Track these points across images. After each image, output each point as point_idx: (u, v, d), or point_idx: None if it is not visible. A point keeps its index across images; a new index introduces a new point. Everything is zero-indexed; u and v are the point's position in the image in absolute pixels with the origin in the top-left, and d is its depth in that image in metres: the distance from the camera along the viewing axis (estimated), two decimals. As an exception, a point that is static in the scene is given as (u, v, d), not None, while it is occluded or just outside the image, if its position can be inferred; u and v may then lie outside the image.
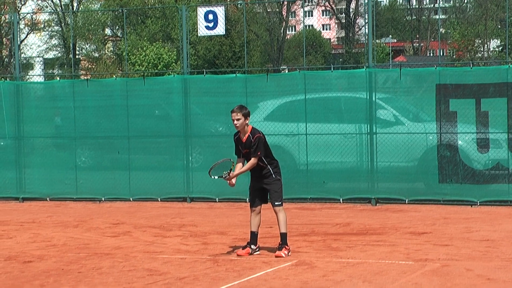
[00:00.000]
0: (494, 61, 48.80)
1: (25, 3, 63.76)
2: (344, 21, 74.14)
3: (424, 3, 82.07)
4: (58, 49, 66.72)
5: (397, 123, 17.73)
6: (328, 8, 78.88)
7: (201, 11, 18.83)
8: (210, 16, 18.62)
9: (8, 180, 20.03)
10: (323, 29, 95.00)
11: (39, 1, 66.08)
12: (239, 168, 11.77)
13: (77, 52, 63.23)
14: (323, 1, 75.24)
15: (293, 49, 73.69)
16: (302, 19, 75.91)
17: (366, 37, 18.18)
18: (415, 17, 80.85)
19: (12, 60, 52.50)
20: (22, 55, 56.40)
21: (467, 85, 16.95)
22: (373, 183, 17.59)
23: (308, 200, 17.99)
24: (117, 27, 65.61)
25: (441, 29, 69.00)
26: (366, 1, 18.05)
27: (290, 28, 79.49)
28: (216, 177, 11.78)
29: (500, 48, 64.08)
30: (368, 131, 17.51)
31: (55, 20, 66.18)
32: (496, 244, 12.37)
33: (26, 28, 61.54)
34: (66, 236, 14.21)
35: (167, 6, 57.85)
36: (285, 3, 67.17)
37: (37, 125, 20.12)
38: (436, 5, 79.72)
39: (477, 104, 16.86)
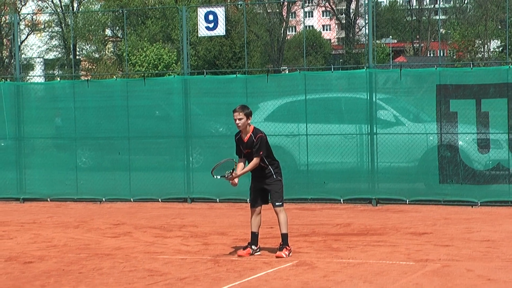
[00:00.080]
0: (495, 62, 48.82)
1: (25, 4, 63.81)
2: (344, 21, 74.13)
3: (424, 3, 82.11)
4: (59, 49, 66.76)
5: (398, 123, 17.73)
6: (328, 9, 78.90)
7: (201, 11, 18.83)
8: (210, 17, 18.62)
9: (9, 180, 20.03)
10: (324, 30, 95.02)
11: (40, 2, 66.15)
12: (240, 168, 11.76)
13: (77, 53, 63.25)
14: (323, 2, 75.24)
15: (293, 49, 73.72)
16: (302, 19, 75.92)
17: (366, 38, 18.18)
18: (415, 18, 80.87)
19: (12, 61, 52.51)
20: (23, 55, 56.41)
21: (467, 85, 16.95)
22: (374, 183, 17.59)
23: (308, 200, 17.99)
24: (118, 27, 65.64)
25: (441, 30, 69.02)
26: (366, 1, 18.05)
27: (290, 29, 79.51)
28: (219, 177, 11.77)
29: (500, 49, 64.09)
30: (369, 131, 17.51)
31: (56, 20, 66.21)
32: (496, 244, 12.37)
33: (27, 28, 61.59)
34: (66, 236, 14.21)
35: (167, 7, 57.89)
36: (285, 3, 67.19)
37: (38, 125, 20.12)
38: (436, 6, 79.74)
39: (478, 104, 16.85)
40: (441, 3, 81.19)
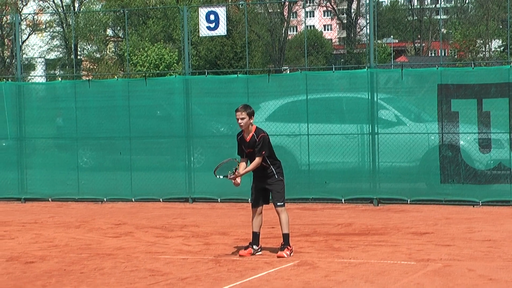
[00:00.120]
0: (496, 61, 48.80)
1: (26, 4, 63.85)
2: (345, 21, 74.11)
3: (426, 3, 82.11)
4: (60, 49, 66.78)
5: (399, 123, 17.72)
6: (329, 9, 78.86)
7: (203, 11, 18.83)
8: (212, 17, 18.62)
9: (10, 180, 20.04)
10: (325, 30, 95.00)
11: (41, 2, 66.18)
12: (242, 168, 11.75)
13: (78, 53, 63.27)
14: (325, 2, 75.22)
15: (294, 49, 73.71)
16: (303, 19, 75.88)
17: (368, 38, 18.18)
18: (416, 18, 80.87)
19: (13, 61, 52.53)
20: (24, 56, 56.45)
21: (468, 85, 16.95)
22: (375, 183, 17.59)
23: (310, 200, 17.98)
24: (119, 27, 65.67)
25: (442, 29, 69.04)
26: (368, 1, 18.05)
27: (292, 29, 79.51)
28: (221, 177, 11.76)
29: (501, 48, 64.11)
30: (370, 131, 17.51)
31: (57, 20, 66.25)
32: (498, 244, 12.37)
33: (28, 29, 61.60)
34: (68, 236, 14.21)
35: (168, 7, 57.91)
36: (287, 3, 67.17)
37: (39, 125, 20.12)
38: (438, 6, 79.72)
39: (479, 104, 16.85)
40: (442, 2, 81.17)
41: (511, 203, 16.71)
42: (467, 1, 73.24)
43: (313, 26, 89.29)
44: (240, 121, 11.66)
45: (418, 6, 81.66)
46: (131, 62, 51.47)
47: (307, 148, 17.93)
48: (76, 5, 66.87)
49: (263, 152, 11.58)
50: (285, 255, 11.57)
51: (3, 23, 61.45)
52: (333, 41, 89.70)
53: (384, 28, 78.05)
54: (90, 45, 63.85)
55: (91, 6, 66.36)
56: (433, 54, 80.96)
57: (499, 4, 61.62)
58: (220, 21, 18.58)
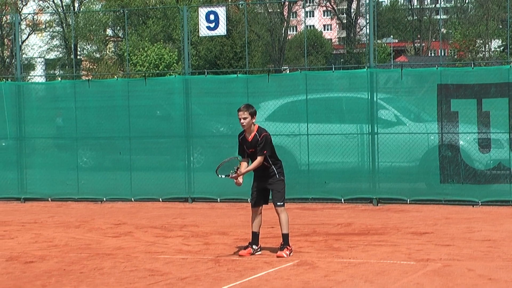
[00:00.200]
0: (496, 61, 48.81)
1: (26, 4, 63.84)
2: (345, 21, 74.11)
3: (425, 3, 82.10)
4: (60, 49, 66.79)
5: (399, 123, 17.72)
6: (329, 9, 78.86)
7: (202, 11, 18.83)
8: (211, 17, 18.62)
9: (10, 180, 20.04)
10: (324, 30, 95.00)
11: (41, 2, 66.18)
12: (244, 167, 11.74)
13: (78, 53, 63.28)
14: (324, 2, 75.23)
15: (294, 49, 73.71)
16: (303, 19, 75.88)
17: (368, 37, 18.18)
18: (416, 17, 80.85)
19: (13, 60, 52.53)
20: (24, 55, 56.45)
21: (468, 85, 16.94)
22: (375, 183, 17.59)
23: (309, 200, 17.98)
24: (118, 27, 65.67)
25: (442, 29, 69.05)
26: (368, 1, 18.05)
27: (291, 29, 79.51)
28: (223, 176, 11.75)
29: (501, 48, 64.12)
30: (370, 131, 17.51)
31: (57, 20, 66.25)
32: (497, 244, 12.37)
33: (28, 28, 61.61)
34: (67, 236, 14.21)
35: (168, 7, 57.91)
36: (286, 3, 67.16)
37: (39, 125, 20.13)
38: (438, 5, 79.72)
39: (479, 104, 16.85)
40: (442, 2, 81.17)
41: (510, 203, 16.71)
42: (467, 1, 73.24)
43: (313, 26, 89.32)
44: (242, 120, 11.64)
45: (418, 6, 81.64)
46: (130, 62, 51.46)
47: (307, 148, 17.93)
48: (76, 5, 66.89)
49: (265, 152, 11.58)
50: (285, 255, 11.57)
51: (3, 23, 61.47)
52: (333, 41, 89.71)
53: (384, 28, 78.05)
54: (90, 45, 63.86)
55: (91, 6, 66.37)
56: (433, 54, 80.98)
57: (499, 4, 61.63)
58: (220, 21, 18.58)
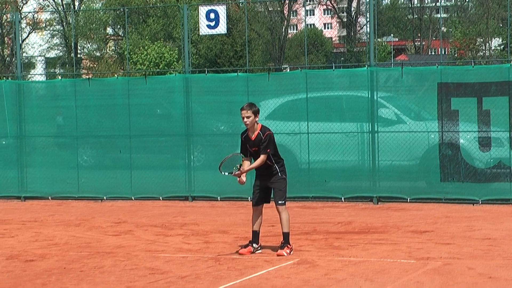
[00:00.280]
0: (496, 60, 48.81)
1: (26, 2, 63.84)
2: (345, 20, 74.09)
3: (426, 1, 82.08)
4: (60, 48, 66.79)
5: (399, 121, 17.72)
6: (329, 7, 78.84)
7: (203, 10, 18.83)
8: (212, 15, 18.62)
9: (10, 179, 20.04)
10: (325, 28, 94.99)
11: (41, 0, 66.17)
12: (246, 165, 11.73)
13: (78, 51, 63.29)
14: (325, 0, 75.21)
15: (294, 48, 73.65)
16: (303, 18, 75.88)
17: (368, 36, 18.18)
18: (416, 16, 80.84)
19: (13, 59, 52.54)
20: (24, 54, 56.45)
21: (468, 83, 16.94)
22: (375, 181, 17.59)
23: (309, 198, 17.98)
24: (119, 26, 65.67)
25: (442, 28, 69.06)
26: (368, 0, 18.04)
27: (292, 27, 79.46)
28: (227, 173, 11.74)
29: (501, 47, 64.14)
30: (370, 129, 17.50)
31: (57, 19, 66.26)
32: (498, 242, 12.37)
33: (28, 27, 61.61)
34: (68, 235, 14.22)
35: (168, 5, 57.89)
36: (287, 2, 67.16)
37: (39, 124, 20.14)
38: (438, 4, 79.72)
39: (479, 102, 16.85)
40: (443, 1, 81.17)
41: (511, 201, 16.71)
42: (467, 0, 73.21)
43: (313, 24, 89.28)
44: (245, 119, 11.61)
45: (418, 5, 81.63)
46: (131, 60, 51.48)
47: (307, 146, 17.93)
48: (76, 3, 66.88)
49: (268, 150, 11.58)
50: (285, 254, 11.57)
51: (3, 21, 61.46)
52: (333, 39, 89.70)
53: (384, 27, 77.99)
54: (90, 43, 63.88)
55: (91, 4, 66.35)
56: (433, 53, 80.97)
57: (499, 2, 61.63)
58: (220, 20, 18.58)
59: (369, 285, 9.65)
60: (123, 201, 18.99)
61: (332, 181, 18.27)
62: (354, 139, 17.76)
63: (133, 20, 60.59)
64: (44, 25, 64.77)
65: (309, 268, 10.72)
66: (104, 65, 57.14)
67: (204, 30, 19.04)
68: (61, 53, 66.37)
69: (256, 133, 11.67)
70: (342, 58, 67.45)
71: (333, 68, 18.91)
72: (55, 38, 66.59)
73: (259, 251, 11.90)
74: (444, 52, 64.58)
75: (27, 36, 60.92)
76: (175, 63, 51.79)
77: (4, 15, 57.91)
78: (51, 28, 65.96)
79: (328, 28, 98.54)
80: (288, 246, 11.71)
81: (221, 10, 18.60)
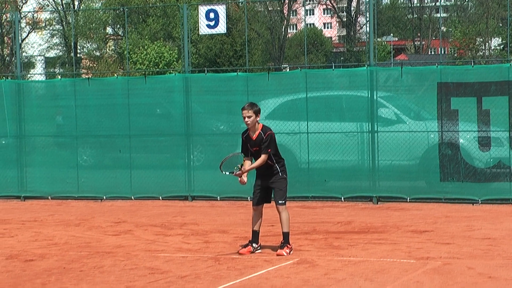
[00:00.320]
0: (496, 60, 48.82)
1: (26, 2, 63.81)
2: (345, 19, 74.10)
3: (426, 1, 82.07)
4: (60, 47, 66.79)
5: (399, 121, 17.72)
6: (329, 7, 78.87)
7: (202, 9, 18.83)
8: (211, 15, 18.62)
9: (10, 178, 20.04)
10: (325, 28, 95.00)
11: (40, 0, 66.14)
12: (247, 165, 11.73)
13: (78, 51, 63.28)
14: (324, 0, 75.21)
15: (294, 47, 73.67)
16: (303, 17, 75.87)
17: (368, 36, 18.17)
18: (416, 16, 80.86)
19: (13, 59, 52.53)
20: (24, 54, 56.43)
21: (468, 83, 16.94)
22: (375, 181, 17.58)
23: (309, 198, 17.98)
24: (118, 25, 65.67)
25: (442, 28, 69.06)
26: (368, -1, 18.05)
27: (291, 27, 79.47)
28: (227, 173, 11.74)
29: (501, 47, 64.15)
30: (370, 129, 17.50)
31: (56, 19, 66.25)
32: (497, 242, 12.37)
33: (28, 27, 61.60)
34: (67, 234, 14.21)
35: (168, 5, 57.89)
36: (286, 1, 67.17)
37: (39, 123, 20.13)
38: (438, 4, 79.72)
39: (479, 102, 16.85)
40: (442, 0, 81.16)
41: (510, 201, 16.71)
42: (467, -1, 73.24)
43: (313, 24, 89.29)
44: (246, 119, 11.60)
45: (418, 4, 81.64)
46: (130, 60, 51.47)
47: (307, 146, 17.93)
48: (76, 3, 66.87)
49: (269, 150, 11.57)
50: (285, 253, 11.57)
51: (3, 21, 61.46)
52: (333, 39, 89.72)
53: (384, 26, 78.00)
54: (90, 43, 63.87)
55: (91, 4, 66.34)
56: (433, 52, 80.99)
57: (499, 2, 61.63)
58: (220, 19, 18.58)
59: (368, 284, 9.64)
60: (122, 201, 18.99)
61: (332, 180, 18.27)
62: (353, 139, 17.76)
63: (133, 20, 60.60)
64: (43, 24, 64.76)
65: (308, 267, 10.72)
66: (103, 65, 57.13)
67: (203, 29, 19.04)
68: (60, 53, 66.37)
69: (257, 133, 11.66)
70: (341, 58, 67.48)
71: (333, 67, 18.90)
72: (55, 37, 66.60)
73: (259, 250, 11.90)
74: (444, 52, 64.58)
75: (27, 35, 60.91)
76: (174, 62, 51.79)
77: (4, 15, 57.91)
78: (51, 28, 65.95)
79: (327, 27, 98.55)
80: (288, 246, 11.70)
81: (221, 9, 18.60)
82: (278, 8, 68.63)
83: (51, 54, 65.16)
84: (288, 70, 54.47)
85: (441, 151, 17.10)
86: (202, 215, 16.44)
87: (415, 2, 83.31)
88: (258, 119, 11.68)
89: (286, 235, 11.72)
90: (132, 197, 19.08)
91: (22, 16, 55.67)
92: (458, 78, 17.03)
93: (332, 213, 16.30)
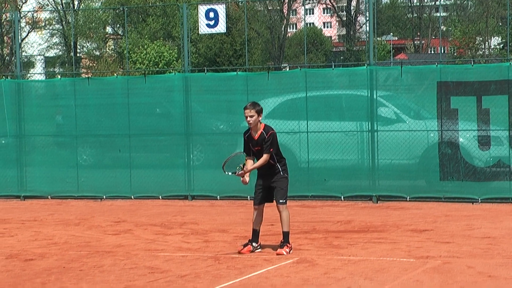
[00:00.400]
0: (495, 59, 48.82)
1: (26, 2, 63.81)
2: (345, 19, 74.10)
3: (425, 0, 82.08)
4: (59, 47, 66.78)
5: (398, 120, 17.72)
6: (329, 6, 78.88)
7: (202, 9, 18.83)
8: (211, 14, 18.62)
9: (10, 178, 20.04)
10: (324, 27, 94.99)
11: (40, 0, 66.12)
12: (250, 165, 11.73)
13: (78, 50, 63.27)
14: (324, -1, 75.24)
15: (294, 47, 73.68)
16: (303, 17, 75.86)
17: (367, 35, 18.17)
18: (416, 15, 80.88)
19: (13, 58, 52.53)
20: (23, 53, 56.43)
21: (468, 82, 16.95)
22: (374, 180, 17.59)
23: (309, 197, 17.98)
24: (118, 25, 65.64)
25: (442, 27, 69.05)
26: (367, -2, 18.05)
27: (291, 26, 79.47)
28: (230, 173, 11.74)
29: (501, 46, 64.14)
30: (369, 128, 17.50)
31: (56, 18, 66.23)
32: (497, 241, 12.37)
33: (27, 26, 61.59)
34: (67, 234, 14.22)
35: (168, 4, 57.87)
36: (286, 1, 67.16)
37: (38, 123, 20.14)
38: (437, 3, 79.72)
39: (478, 101, 16.86)
40: (442, 0, 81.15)
41: (510, 200, 16.72)
42: (466, -2, 73.22)
43: (313, 23, 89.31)
44: (249, 118, 11.59)
45: (418, 4, 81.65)
46: (130, 59, 51.46)
47: (307, 145, 17.93)
48: (76, 2, 66.85)
49: (271, 150, 11.57)
50: (285, 253, 11.57)
51: (3, 20, 61.44)
52: (333, 38, 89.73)
53: (383, 26, 78.05)
54: (90, 42, 63.86)
55: (91, 3, 66.32)
56: (432, 52, 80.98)
57: (499, 1, 61.63)
58: (219, 19, 18.58)
59: (368, 283, 9.65)
60: (122, 200, 19.00)
61: (332, 180, 18.27)
62: (353, 138, 17.76)
63: (133, 19, 60.57)
64: (43, 24, 64.75)
65: (308, 267, 10.72)
66: (103, 64, 57.11)
67: (203, 29, 19.04)
68: (60, 52, 66.35)
69: (259, 132, 11.66)
70: (341, 57, 67.47)
71: (333, 67, 18.90)
72: (55, 37, 66.59)
73: (259, 250, 11.91)
74: (444, 51, 64.58)
75: (27, 35, 60.90)
76: (174, 62, 51.77)
77: (4, 14, 57.91)
78: (51, 27, 65.95)
79: (327, 27, 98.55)
80: (288, 245, 11.70)
81: (221, 9, 18.60)
82: (278, 8, 68.63)
83: (51, 53, 65.16)
84: (287, 69, 54.48)
85: (441, 150, 17.10)
86: (202, 214, 16.44)
87: (415, 1, 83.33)
88: (260, 118, 11.67)
89: (286, 235, 11.72)
90: (132, 197, 19.08)
91: (22, 15, 55.68)
92: (458, 77, 17.03)
93: (332, 212, 16.30)
